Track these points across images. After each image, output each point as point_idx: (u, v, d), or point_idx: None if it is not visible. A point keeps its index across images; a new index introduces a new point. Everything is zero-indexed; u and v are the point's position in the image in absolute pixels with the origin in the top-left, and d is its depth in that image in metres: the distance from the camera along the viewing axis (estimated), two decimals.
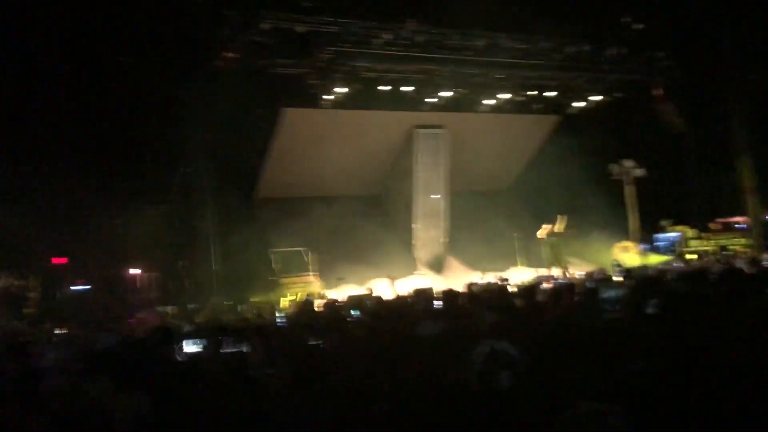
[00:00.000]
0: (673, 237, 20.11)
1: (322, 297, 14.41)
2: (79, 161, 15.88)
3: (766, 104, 19.65)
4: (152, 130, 16.08)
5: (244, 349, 4.48)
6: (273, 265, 16.28)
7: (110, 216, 17.21)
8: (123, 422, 3.16)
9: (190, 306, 14.66)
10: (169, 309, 14.60)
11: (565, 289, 8.10)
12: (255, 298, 15.36)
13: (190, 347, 5.06)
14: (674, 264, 15.61)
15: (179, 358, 4.78)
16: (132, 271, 16.12)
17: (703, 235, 20.16)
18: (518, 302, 8.00)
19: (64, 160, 15.52)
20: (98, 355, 4.67)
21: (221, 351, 4.48)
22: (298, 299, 14.38)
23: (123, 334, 7.13)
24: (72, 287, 15.47)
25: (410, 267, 19.37)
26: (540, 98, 19.42)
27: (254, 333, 4.96)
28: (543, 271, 17.19)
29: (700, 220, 21.18)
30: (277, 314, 11.27)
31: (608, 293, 7.82)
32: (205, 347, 4.95)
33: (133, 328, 10.69)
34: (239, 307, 14.10)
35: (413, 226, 19.57)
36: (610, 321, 5.03)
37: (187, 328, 7.39)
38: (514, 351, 3.03)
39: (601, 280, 10.11)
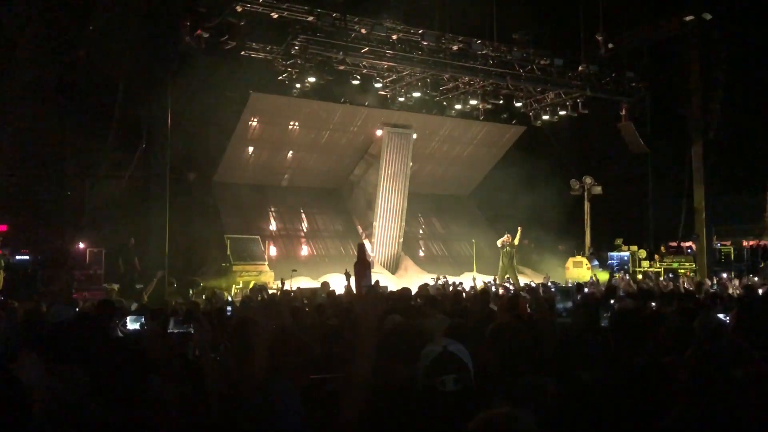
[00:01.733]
0: (626, 256, 20.50)
1: (273, 287, 14.26)
2: (37, 126, 15.42)
3: (726, 133, 20.23)
4: (116, 102, 15.68)
5: (191, 330, 4.35)
6: (227, 251, 16.01)
7: (62, 186, 16.74)
8: (54, 397, 3.02)
9: (138, 286, 14.32)
10: (116, 287, 14.25)
11: (520, 297, 8.15)
12: (206, 283, 15.11)
13: (132, 324, 4.90)
14: (624, 281, 15.89)
15: (120, 335, 4.63)
16: (80, 245, 15.66)
17: (655, 256, 20.60)
18: (472, 306, 8.04)
19: (24, 122, 15.08)
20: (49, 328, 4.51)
21: (167, 331, 4.35)
22: (249, 287, 14.19)
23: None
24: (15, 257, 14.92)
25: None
26: (507, 108, 19.59)
27: (201, 315, 4.82)
28: (497, 279, 17.33)
29: (653, 242, 21.68)
30: (228, 301, 11.09)
31: (562, 303, 7.95)
32: (145, 325, 4.80)
33: (77, 303, 10.41)
34: (189, 291, 13.84)
35: (374, 224, 19.53)
36: (562, 331, 5.04)
37: (134, 306, 7.19)
38: (467, 354, 2.98)
39: (556, 289, 10.26)
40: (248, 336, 3.35)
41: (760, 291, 11.20)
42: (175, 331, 4.42)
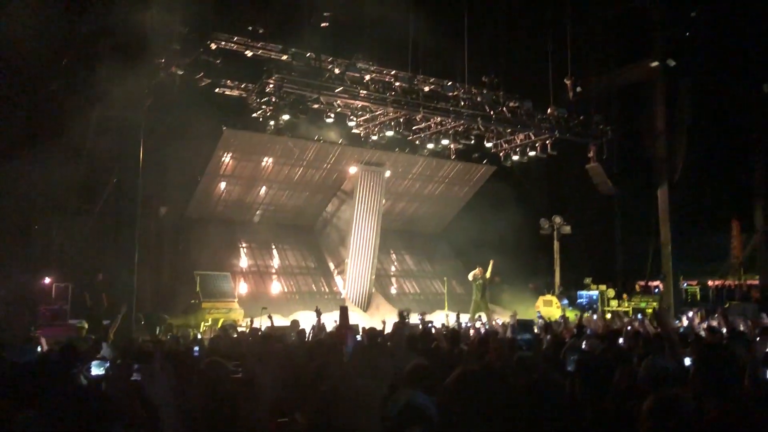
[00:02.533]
0: (594, 295, 20.73)
1: (243, 325, 14.13)
2: (6, 159, 15.24)
3: (691, 175, 20.75)
4: (87, 136, 15.61)
5: (155, 375, 4.29)
6: (197, 288, 15.85)
7: (29, 220, 16.51)
8: None
9: (105, 322, 14.07)
10: (85, 324, 13.98)
11: (490, 338, 8.21)
12: (175, 320, 14.91)
13: (97, 370, 4.82)
14: (593, 320, 16.02)
15: (84, 381, 4.56)
16: (46, 280, 15.39)
17: (623, 295, 20.86)
18: (442, 345, 8.06)
19: None
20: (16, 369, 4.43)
21: (131, 377, 4.29)
22: (218, 326, 14.04)
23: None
24: None
25: (338, 301, 19.26)
26: (478, 148, 19.90)
27: (167, 360, 4.77)
28: (468, 317, 17.36)
29: (621, 281, 21.98)
30: (197, 338, 10.95)
31: (523, 335, 8.06)
32: (110, 370, 4.72)
33: (40, 340, 10.19)
34: (157, 329, 13.63)
35: (346, 261, 19.54)
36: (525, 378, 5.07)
37: (104, 348, 7.04)
38: (432, 405, 3.01)
39: (520, 323, 10.36)
40: (214, 386, 3.34)
41: (725, 330, 11.41)
42: (138, 378, 4.36)
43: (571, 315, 18.32)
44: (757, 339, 7.01)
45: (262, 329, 12.17)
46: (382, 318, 13.66)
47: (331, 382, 3.53)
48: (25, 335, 10.30)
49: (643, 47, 20.47)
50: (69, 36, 15.28)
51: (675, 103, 20.52)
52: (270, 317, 12.52)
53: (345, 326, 7.11)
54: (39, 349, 8.27)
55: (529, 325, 9.64)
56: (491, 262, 17.75)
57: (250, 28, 15.50)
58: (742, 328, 10.63)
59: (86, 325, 13.55)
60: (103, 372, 4.77)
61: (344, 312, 7.38)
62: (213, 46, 14.96)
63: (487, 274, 17.75)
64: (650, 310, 18.77)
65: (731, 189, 23.08)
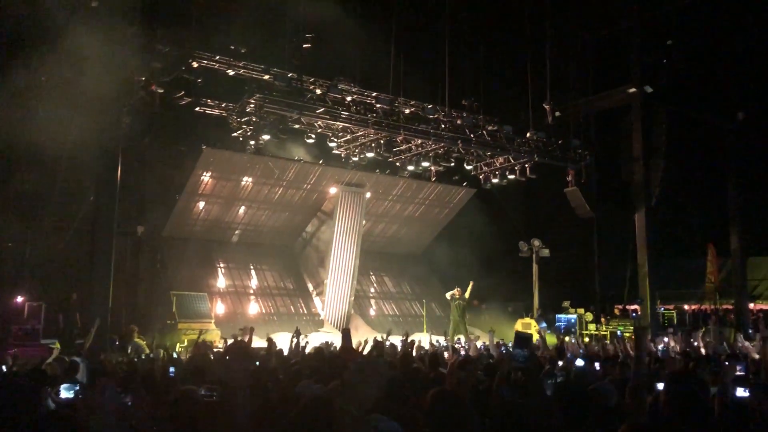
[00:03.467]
0: (573, 318, 20.79)
1: (217, 346, 13.91)
2: None
3: (668, 200, 21.01)
4: (63, 153, 15.45)
5: (128, 400, 4.18)
6: (173, 308, 15.65)
7: (1, 237, 16.24)
8: None
9: (78, 341, 13.81)
10: (57, 345, 13.68)
11: (470, 362, 8.15)
12: (150, 340, 14.65)
13: (66, 393, 4.67)
14: (572, 345, 16.03)
15: (52, 405, 4.41)
16: (18, 298, 15.11)
17: (601, 319, 20.94)
18: (421, 367, 7.98)
19: None
20: None
21: (102, 401, 4.16)
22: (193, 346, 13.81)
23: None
24: None
25: (316, 323, 19.15)
26: (458, 170, 20.00)
27: (140, 383, 4.65)
28: (448, 338, 17.31)
29: (599, 305, 22.09)
30: (173, 358, 10.76)
31: (520, 351, 7.92)
32: (80, 393, 4.58)
33: (11, 360, 9.96)
34: (128, 348, 13.37)
35: (325, 282, 19.45)
36: (506, 402, 5.03)
37: (81, 368, 6.84)
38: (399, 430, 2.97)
39: (518, 337, 10.22)
40: (190, 415, 3.25)
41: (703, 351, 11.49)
42: (113, 402, 4.24)
43: (551, 339, 18.34)
44: (726, 363, 7.05)
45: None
46: (361, 339, 13.54)
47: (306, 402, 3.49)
48: None
49: (620, 73, 20.79)
50: (47, 52, 15.18)
51: (652, 128, 20.84)
52: (251, 331, 12.34)
53: (348, 349, 7.01)
54: (3, 368, 8.08)
55: (528, 339, 9.34)
56: (470, 284, 17.76)
57: (232, 47, 15.52)
58: (704, 352, 10.74)
59: (58, 346, 13.26)
60: (72, 395, 4.62)
61: (347, 335, 7.30)
62: (195, 64, 14.93)
63: (466, 295, 17.76)
64: (628, 335, 18.87)
65: (707, 213, 23.38)
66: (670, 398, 3.94)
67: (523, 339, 9.38)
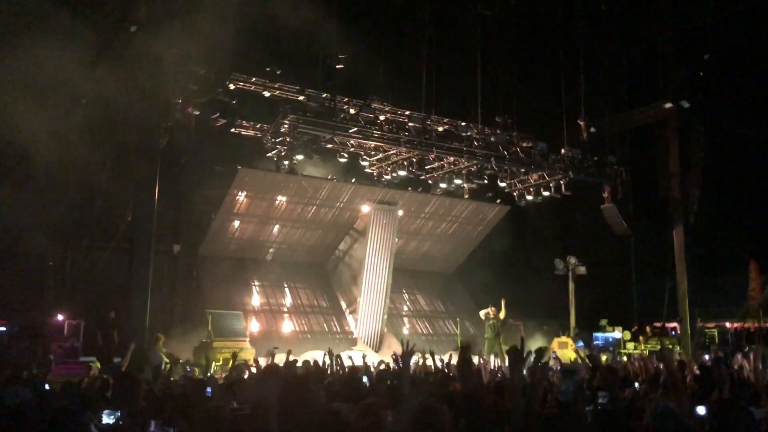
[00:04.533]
0: (611, 337, 20.41)
1: (254, 365, 13.95)
2: (21, 195, 15.40)
3: (706, 216, 20.60)
4: (103, 173, 15.79)
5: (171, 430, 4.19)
6: (209, 327, 15.78)
7: (44, 256, 16.60)
8: None
9: (116, 359, 14.00)
10: (98, 364, 13.90)
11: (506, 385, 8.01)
12: (187, 360, 14.79)
13: (107, 419, 4.69)
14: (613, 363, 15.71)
15: (94, 430, 4.44)
16: (59, 317, 15.40)
17: (639, 337, 20.53)
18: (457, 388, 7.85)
19: (5, 189, 15.03)
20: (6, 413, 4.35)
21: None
22: (229, 365, 13.89)
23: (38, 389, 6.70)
24: None
25: (349, 342, 19.12)
26: (492, 187, 19.88)
27: (182, 415, 4.65)
28: (483, 357, 17.13)
29: (637, 323, 21.66)
30: (209, 378, 10.82)
31: (568, 384, 7.68)
32: (121, 421, 4.60)
33: (53, 379, 10.12)
34: (165, 366, 13.46)
35: (358, 300, 19.45)
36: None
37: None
38: None
39: (564, 370, 9.99)
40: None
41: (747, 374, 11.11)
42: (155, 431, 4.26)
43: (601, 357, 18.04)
44: None
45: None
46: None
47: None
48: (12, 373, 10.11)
49: (656, 88, 20.54)
50: (87, 74, 15.57)
51: (689, 143, 20.50)
52: (288, 352, 12.37)
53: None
54: (46, 386, 8.18)
55: (575, 372, 8.97)
56: (503, 301, 17.59)
57: (267, 69, 15.73)
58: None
59: (98, 365, 13.47)
60: (113, 421, 4.65)
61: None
62: (231, 86, 15.18)
63: (501, 314, 17.57)
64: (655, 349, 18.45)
65: (748, 229, 22.84)
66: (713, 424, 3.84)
67: (569, 372, 8.93)
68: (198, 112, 14.93)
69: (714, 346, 18.55)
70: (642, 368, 12.95)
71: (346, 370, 10.59)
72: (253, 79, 15.68)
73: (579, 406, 4.67)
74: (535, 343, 19.35)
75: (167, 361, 13.29)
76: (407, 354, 5.26)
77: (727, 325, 24.09)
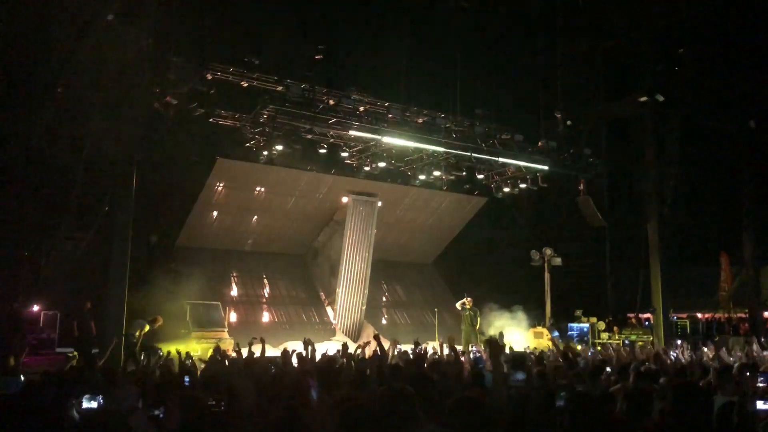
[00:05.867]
0: (585, 327, 20.73)
1: (231, 355, 13.97)
2: None
3: (680, 208, 20.96)
4: (79, 164, 15.61)
5: (158, 413, 4.22)
6: (187, 317, 15.74)
7: (18, 246, 16.40)
8: None
9: (94, 350, 13.92)
10: (76, 354, 13.81)
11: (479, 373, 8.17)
12: (165, 348, 14.72)
13: (88, 403, 4.70)
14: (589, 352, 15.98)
15: (76, 415, 4.45)
16: (34, 307, 15.26)
17: (614, 327, 20.86)
18: (436, 377, 7.99)
19: None
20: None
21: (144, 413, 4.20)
22: (208, 355, 13.89)
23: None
24: None
25: (328, 332, 19.19)
26: (470, 179, 20.02)
27: (171, 396, 4.68)
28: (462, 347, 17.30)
29: (611, 314, 22.01)
30: (187, 366, 10.82)
31: (517, 375, 7.95)
32: (103, 405, 4.62)
33: (27, 370, 10.08)
34: (142, 355, 13.43)
35: (337, 290, 19.52)
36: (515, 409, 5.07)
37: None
38: None
39: (513, 358, 10.23)
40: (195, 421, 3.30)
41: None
42: (145, 413, 4.29)
43: (574, 346, 18.30)
44: (747, 374, 7.02)
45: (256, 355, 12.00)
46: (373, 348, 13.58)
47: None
48: (6, 366, 10.12)
49: (632, 82, 20.80)
50: (64, 64, 15.37)
51: (664, 137, 20.81)
52: (262, 341, 12.39)
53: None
54: (21, 377, 8.16)
55: (523, 359, 9.41)
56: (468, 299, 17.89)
57: (245, 59, 15.66)
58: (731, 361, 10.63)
59: (76, 355, 13.39)
60: (95, 405, 4.67)
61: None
62: (208, 76, 15.07)
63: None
64: (641, 343, 18.75)
65: (720, 222, 23.29)
66: (675, 409, 3.97)
67: (517, 359, 9.23)
68: (176, 101, 14.81)
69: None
70: (615, 357, 13.20)
71: (316, 360, 10.68)
72: (231, 69, 15.57)
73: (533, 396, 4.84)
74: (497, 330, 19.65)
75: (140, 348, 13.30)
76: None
77: (699, 315, 24.60)
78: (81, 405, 4.57)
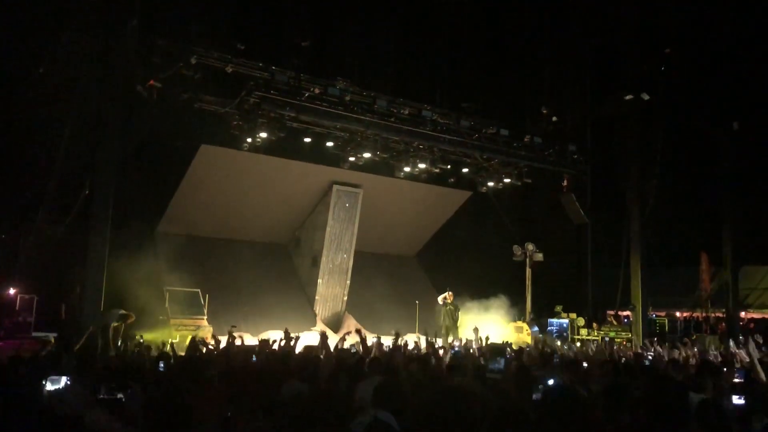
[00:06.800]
0: (565, 323, 20.85)
1: (210, 343, 13.89)
2: None
3: (662, 208, 21.11)
4: (60, 145, 15.41)
5: (120, 396, 4.16)
6: (166, 304, 15.60)
7: None
8: None
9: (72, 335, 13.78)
10: (52, 337, 13.64)
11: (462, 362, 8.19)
12: (142, 335, 14.61)
13: (54, 385, 4.61)
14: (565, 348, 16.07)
15: (45, 397, 4.38)
16: (11, 291, 15.06)
17: (593, 324, 21.00)
18: (413, 367, 8.00)
19: None
20: None
21: (97, 396, 4.13)
22: (186, 342, 13.80)
23: None
24: None
25: (309, 322, 19.11)
26: (454, 173, 20.02)
27: (134, 380, 4.62)
28: (439, 341, 17.32)
29: (591, 310, 22.15)
30: (164, 353, 10.74)
31: (495, 364, 8.03)
32: (70, 386, 4.54)
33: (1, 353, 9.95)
34: (119, 342, 13.32)
35: (318, 281, 19.45)
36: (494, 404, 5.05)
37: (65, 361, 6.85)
38: (396, 424, 3.00)
39: (492, 349, 10.33)
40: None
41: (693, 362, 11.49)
42: (105, 397, 4.23)
43: (549, 342, 18.38)
44: (724, 369, 7.08)
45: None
46: (354, 339, 13.59)
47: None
48: None
49: (618, 81, 20.87)
50: (46, 45, 15.14)
51: (648, 136, 20.92)
52: (240, 336, 12.34)
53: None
54: None
55: (502, 350, 9.52)
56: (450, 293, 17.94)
57: (231, 44, 15.50)
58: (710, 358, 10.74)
59: (52, 338, 13.22)
60: (61, 386, 4.58)
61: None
62: (193, 60, 14.90)
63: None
64: (619, 341, 18.87)
65: (701, 222, 23.48)
66: (652, 406, 3.97)
67: (497, 350, 9.52)
68: (160, 86, 14.63)
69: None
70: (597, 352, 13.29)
71: (295, 351, 10.66)
72: (216, 54, 15.40)
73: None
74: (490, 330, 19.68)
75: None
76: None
77: (677, 314, 24.83)
78: (45, 387, 4.48)
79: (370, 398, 3.87)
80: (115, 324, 13.67)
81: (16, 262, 16.09)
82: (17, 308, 14.99)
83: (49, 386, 4.52)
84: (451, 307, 17.77)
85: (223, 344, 12.18)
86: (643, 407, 4.00)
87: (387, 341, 13.12)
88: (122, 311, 14.26)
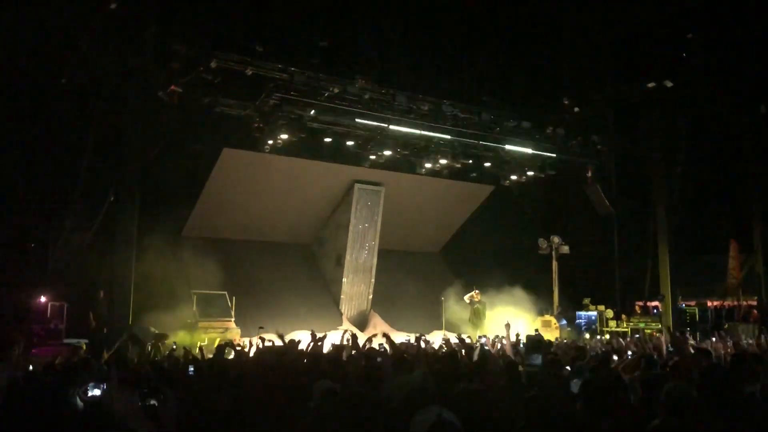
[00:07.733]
0: (593, 316, 20.63)
1: (239, 344, 13.93)
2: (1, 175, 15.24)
3: (688, 196, 20.79)
4: (85, 152, 15.59)
5: (154, 402, 4.17)
6: (193, 307, 15.71)
7: (25, 237, 16.42)
8: None
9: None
10: (84, 343, 13.81)
11: (490, 359, 8.11)
12: (171, 339, 14.72)
13: (92, 391, 4.66)
14: (595, 341, 15.90)
15: (80, 404, 4.41)
16: (41, 298, 15.26)
17: (622, 316, 20.76)
18: (439, 367, 7.94)
19: None
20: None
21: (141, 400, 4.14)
22: (214, 345, 13.86)
23: (19, 368, 6.66)
24: None
25: (335, 321, 19.14)
26: (476, 167, 19.89)
27: (167, 386, 4.63)
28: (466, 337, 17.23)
29: (619, 302, 21.90)
30: (193, 357, 10.79)
31: (534, 359, 7.94)
32: (107, 393, 4.58)
33: (33, 360, 10.06)
34: (148, 347, 13.41)
35: (343, 280, 19.46)
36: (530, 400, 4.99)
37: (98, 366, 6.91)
38: (458, 423, 2.98)
39: (529, 342, 10.21)
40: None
41: (722, 352, 11.28)
42: (138, 404, 4.24)
43: (571, 336, 18.23)
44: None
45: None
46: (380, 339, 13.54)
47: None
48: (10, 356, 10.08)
49: (641, 68, 20.55)
50: (68, 54, 15.30)
51: (673, 123, 20.60)
52: (273, 340, 12.33)
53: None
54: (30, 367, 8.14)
55: (540, 343, 9.32)
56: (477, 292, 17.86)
57: (251, 47, 15.54)
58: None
59: (84, 345, 13.39)
60: (99, 394, 4.63)
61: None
62: (213, 64, 14.96)
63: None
64: (649, 332, 18.66)
65: (729, 209, 23.08)
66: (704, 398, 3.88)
67: (535, 343, 9.35)
68: (181, 91, 14.72)
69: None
70: (623, 346, 13.11)
71: (323, 351, 10.63)
72: (235, 57, 15.44)
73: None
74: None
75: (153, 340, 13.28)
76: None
77: (708, 303, 24.44)
78: (86, 393, 4.52)
79: (404, 399, 3.84)
80: (150, 346, 13.77)
81: (45, 270, 16.30)
82: (48, 315, 15.17)
83: (90, 393, 4.55)
84: (479, 306, 17.67)
85: (252, 347, 12.18)
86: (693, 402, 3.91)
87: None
88: (155, 330, 14.33)
